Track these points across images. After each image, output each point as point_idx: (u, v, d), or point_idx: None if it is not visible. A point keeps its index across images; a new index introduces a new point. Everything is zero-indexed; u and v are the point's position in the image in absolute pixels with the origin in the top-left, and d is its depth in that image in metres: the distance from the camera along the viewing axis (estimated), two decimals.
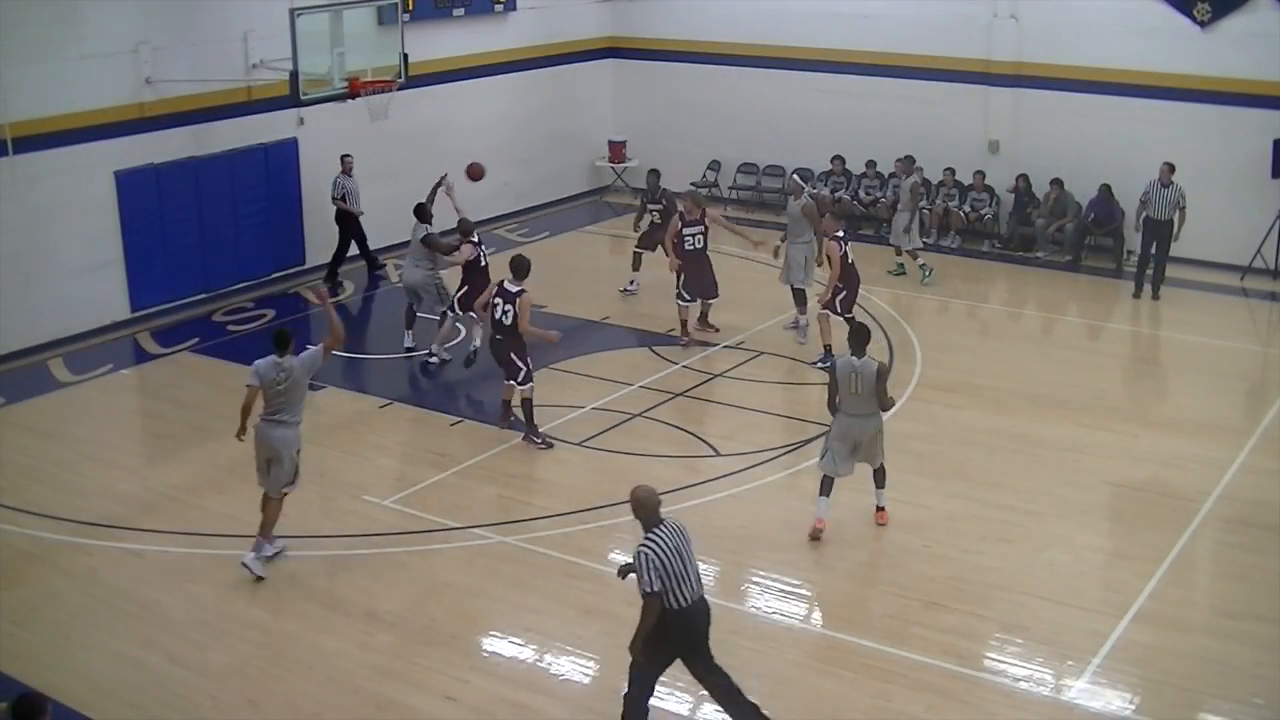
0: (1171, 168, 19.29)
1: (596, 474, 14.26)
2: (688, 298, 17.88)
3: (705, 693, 9.62)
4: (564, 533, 12.91)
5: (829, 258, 16.63)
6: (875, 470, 12.79)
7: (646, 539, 8.98)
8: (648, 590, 8.89)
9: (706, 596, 9.34)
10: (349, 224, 20.69)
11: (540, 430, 14.87)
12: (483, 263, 16.84)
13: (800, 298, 18.19)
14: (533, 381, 14.77)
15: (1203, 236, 20.98)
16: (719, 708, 9.59)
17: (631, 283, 19.86)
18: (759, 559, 12.48)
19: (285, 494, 12.25)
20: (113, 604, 11.72)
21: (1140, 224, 19.71)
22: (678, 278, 17.78)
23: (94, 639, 11.19)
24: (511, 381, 14.83)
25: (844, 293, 16.79)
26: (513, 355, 14.72)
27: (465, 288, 16.75)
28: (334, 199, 20.53)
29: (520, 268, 14.63)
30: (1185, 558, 12.43)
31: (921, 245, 21.17)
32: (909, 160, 21.18)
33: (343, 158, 20.39)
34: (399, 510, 13.40)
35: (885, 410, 12.61)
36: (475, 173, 18.33)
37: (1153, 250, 19.59)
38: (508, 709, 10.18)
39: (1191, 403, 16.28)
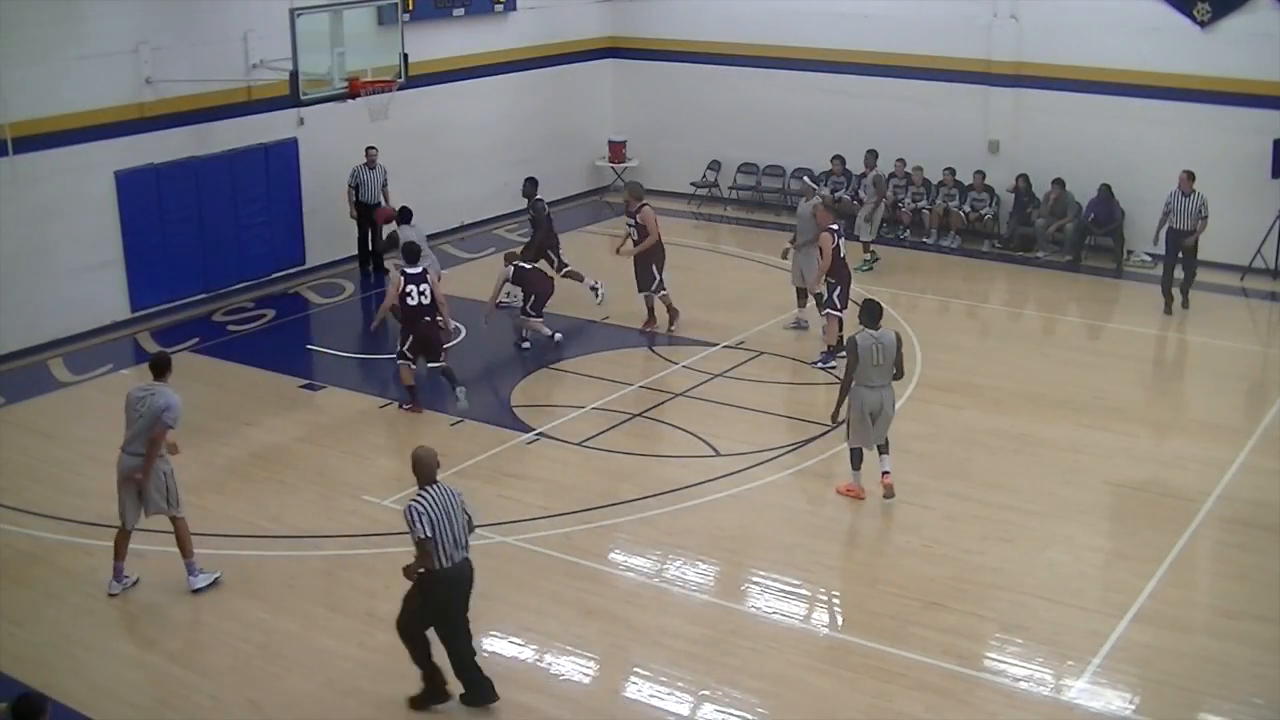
0: (1192, 176, 18.95)
1: (597, 474, 14.27)
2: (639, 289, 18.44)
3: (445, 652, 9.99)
4: (564, 533, 12.91)
5: (821, 249, 16.76)
6: (882, 442, 13.31)
7: (417, 495, 9.60)
8: (420, 536, 9.47)
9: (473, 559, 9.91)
10: (365, 215, 20.79)
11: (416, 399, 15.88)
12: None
13: (802, 296, 18.25)
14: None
15: (1203, 237, 20.97)
16: (452, 674, 10.04)
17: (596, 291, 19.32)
18: (759, 559, 12.49)
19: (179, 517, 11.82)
20: (113, 604, 11.72)
21: (1162, 236, 19.22)
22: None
23: (94, 639, 11.20)
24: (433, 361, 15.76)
25: (838, 288, 16.85)
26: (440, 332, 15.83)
27: (533, 296, 17.77)
28: (349, 186, 20.59)
29: (411, 254, 15.79)
30: (1185, 558, 12.43)
31: (873, 238, 21.56)
32: (873, 155, 21.78)
33: (366, 149, 20.54)
34: (399, 510, 13.31)
35: (899, 378, 13.26)
36: (384, 216, 19.23)
37: (1179, 258, 19.33)
38: (508, 709, 10.16)
39: (1192, 403, 16.28)
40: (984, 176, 22.62)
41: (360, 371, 17.40)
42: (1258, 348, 18.71)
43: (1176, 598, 11.75)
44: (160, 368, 11.82)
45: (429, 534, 9.48)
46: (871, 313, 13.03)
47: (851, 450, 13.31)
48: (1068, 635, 11.09)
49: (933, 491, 13.63)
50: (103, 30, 17.89)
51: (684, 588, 11.98)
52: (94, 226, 18.22)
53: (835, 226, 16.84)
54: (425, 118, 22.44)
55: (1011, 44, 22.45)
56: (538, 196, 19.69)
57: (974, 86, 22.84)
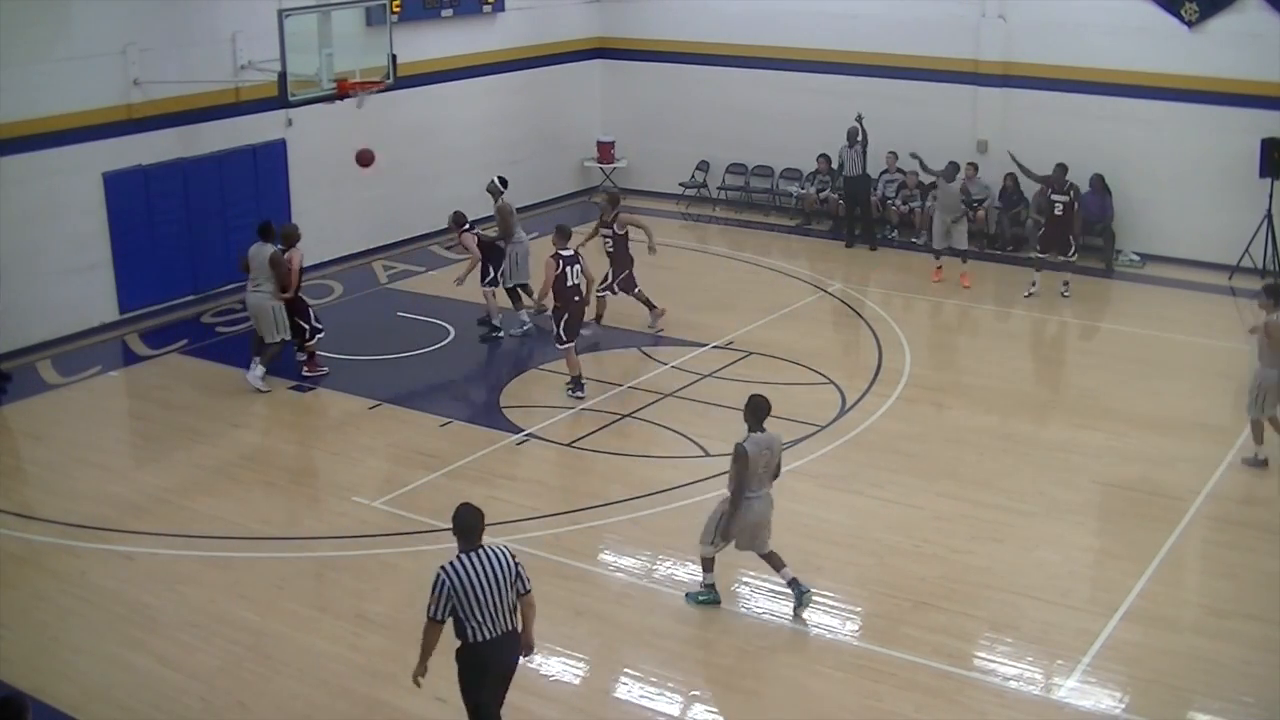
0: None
1: (586, 475, 14.27)
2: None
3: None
4: (553, 533, 12.91)
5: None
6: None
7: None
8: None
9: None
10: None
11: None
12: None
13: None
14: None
15: (1191, 236, 21.07)
16: None
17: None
18: (748, 559, 12.44)
19: None
20: (102, 606, 11.69)
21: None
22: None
23: (83, 641, 11.17)
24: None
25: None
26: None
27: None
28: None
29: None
30: (1174, 556, 12.46)
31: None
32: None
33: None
34: (388, 511, 13.38)
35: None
36: (365, 159, 18.73)
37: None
38: None
39: (1180, 402, 16.31)
40: (976, 169, 22.58)
41: (349, 373, 17.35)
42: (1246, 347, 18.68)
43: (1166, 596, 11.78)
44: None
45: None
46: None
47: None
48: (1057, 634, 11.11)
49: (922, 491, 13.65)
50: (90, 31, 17.85)
51: (674, 588, 11.98)
52: (82, 228, 18.18)
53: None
54: (413, 118, 22.43)
55: (1000, 44, 22.49)
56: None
57: (962, 86, 22.88)
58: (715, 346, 17.91)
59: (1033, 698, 10.38)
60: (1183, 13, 20.77)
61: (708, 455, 14.60)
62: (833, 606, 11.79)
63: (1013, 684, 10.51)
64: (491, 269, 18.37)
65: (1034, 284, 20.10)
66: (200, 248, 19.53)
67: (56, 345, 17.91)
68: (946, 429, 15.33)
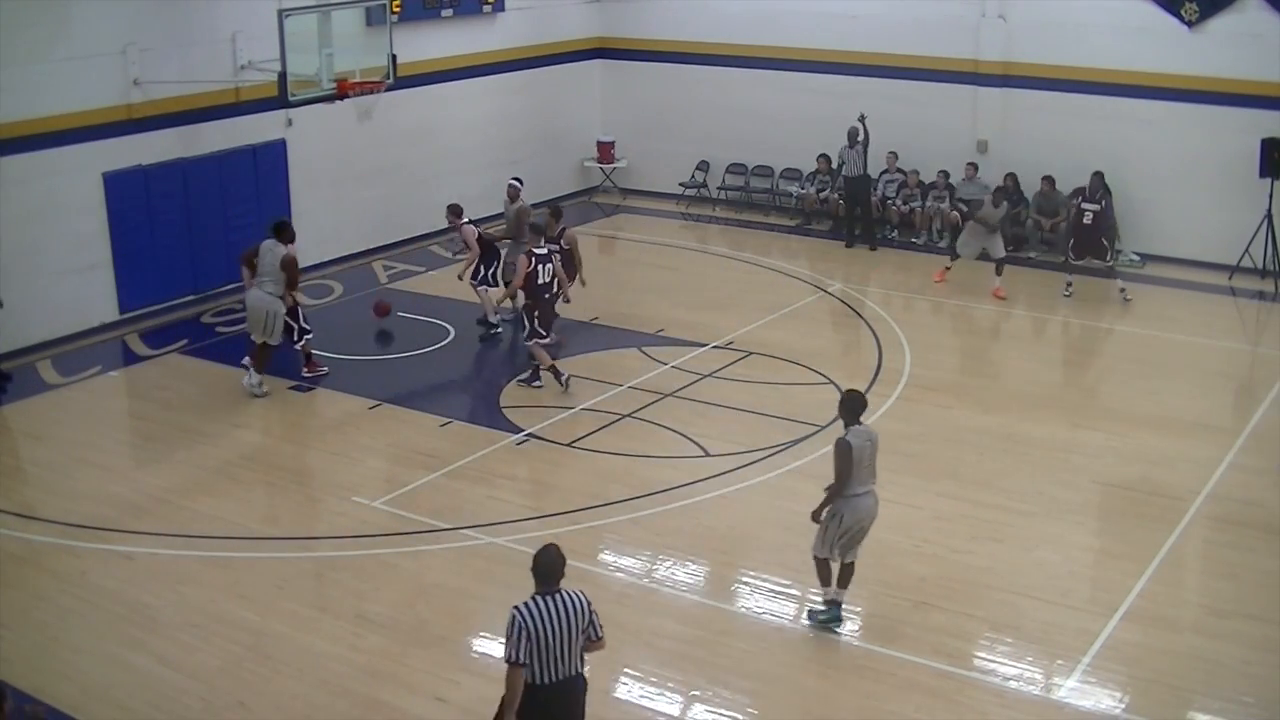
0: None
1: (586, 475, 14.26)
2: None
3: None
4: (554, 533, 12.86)
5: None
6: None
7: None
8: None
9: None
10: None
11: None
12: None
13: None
14: None
15: (1191, 236, 21.07)
16: None
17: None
18: (748, 559, 12.49)
19: None
20: (102, 606, 11.68)
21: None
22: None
23: (83, 641, 11.16)
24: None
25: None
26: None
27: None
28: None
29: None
30: (1174, 556, 12.46)
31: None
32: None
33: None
34: (388, 511, 13.38)
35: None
36: (382, 310, 19.00)
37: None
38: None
39: (1180, 402, 16.31)
40: (976, 169, 22.61)
41: (349, 373, 17.35)
42: (1246, 347, 18.76)
43: (1166, 596, 11.78)
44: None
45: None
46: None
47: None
48: (1057, 634, 11.11)
49: (922, 491, 13.64)
50: (90, 31, 17.84)
51: (674, 588, 11.98)
52: (82, 228, 18.17)
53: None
54: (413, 118, 22.43)
55: (1000, 44, 22.49)
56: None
57: (962, 86, 22.88)
58: (715, 346, 17.91)
59: (1033, 698, 10.38)
60: (1183, 13, 20.77)
61: (708, 455, 14.60)
62: None
63: (1013, 684, 10.51)
64: (483, 268, 18.42)
65: (1069, 284, 20.09)
66: (200, 248, 19.52)
67: (56, 345, 17.91)
68: (946, 429, 15.32)
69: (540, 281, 15.95)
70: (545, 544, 8.42)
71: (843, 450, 10.69)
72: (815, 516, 11.06)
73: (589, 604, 8.33)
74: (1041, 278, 21.20)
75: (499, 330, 18.44)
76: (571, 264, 17.52)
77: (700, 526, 12.94)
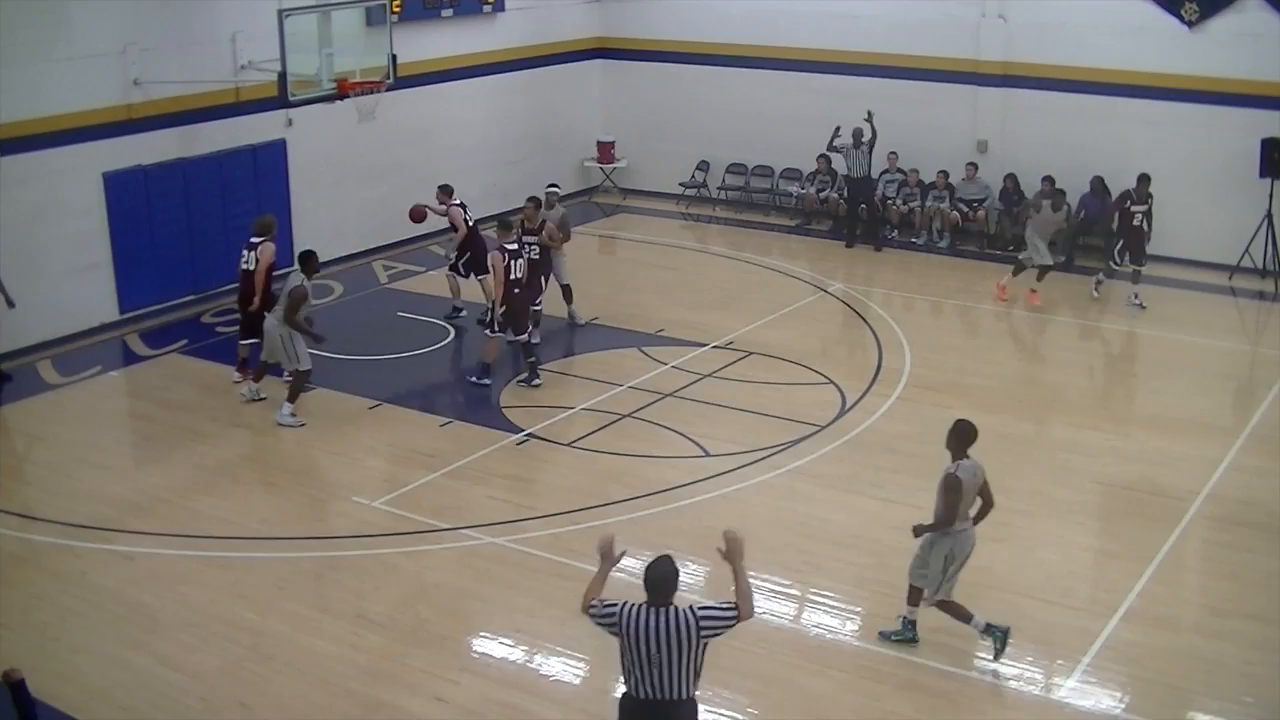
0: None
1: (586, 475, 14.26)
2: None
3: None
4: (554, 533, 12.90)
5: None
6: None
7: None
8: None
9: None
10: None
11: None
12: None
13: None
14: None
15: (1191, 236, 21.05)
16: None
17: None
18: (749, 559, 12.37)
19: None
20: (102, 606, 11.69)
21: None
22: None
23: (83, 641, 11.16)
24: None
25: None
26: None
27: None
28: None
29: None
30: (1174, 556, 12.46)
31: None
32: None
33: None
34: (389, 511, 13.38)
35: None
36: (417, 215, 19.01)
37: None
38: (498, 710, 10.17)
39: (1180, 402, 16.31)
40: (976, 169, 22.61)
41: (350, 373, 17.35)
42: (1246, 347, 18.76)
43: (1166, 596, 11.78)
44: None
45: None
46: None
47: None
48: (1057, 634, 11.11)
49: (922, 491, 13.54)
50: (90, 31, 17.84)
51: None
52: (82, 228, 18.16)
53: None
54: (413, 119, 22.41)
55: (1000, 44, 22.49)
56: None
57: (962, 86, 22.89)
58: (715, 346, 17.90)
59: (1033, 698, 10.38)
60: (1183, 13, 20.78)
61: (708, 455, 14.60)
62: (833, 606, 11.79)
63: (1013, 684, 10.51)
64: (457, 255, 18.73)
65: (1099, 281, 20.05)
66: (200, 248, 19.50)
67: (56, 345, 17.90)
68: (947, 429, 15.27)
69: (511, 277, 16.10)
70: (659, 555, 8.11)
71: (952, 485, 10.50)
72: (917, 533, 10.90)
73: (699, 622, 7.90)
74: (1079, 284, 21.14)
75: (462, 313, 18.91)
76: (547, 257, 17.69)
77: (700, 526, 12.92)
